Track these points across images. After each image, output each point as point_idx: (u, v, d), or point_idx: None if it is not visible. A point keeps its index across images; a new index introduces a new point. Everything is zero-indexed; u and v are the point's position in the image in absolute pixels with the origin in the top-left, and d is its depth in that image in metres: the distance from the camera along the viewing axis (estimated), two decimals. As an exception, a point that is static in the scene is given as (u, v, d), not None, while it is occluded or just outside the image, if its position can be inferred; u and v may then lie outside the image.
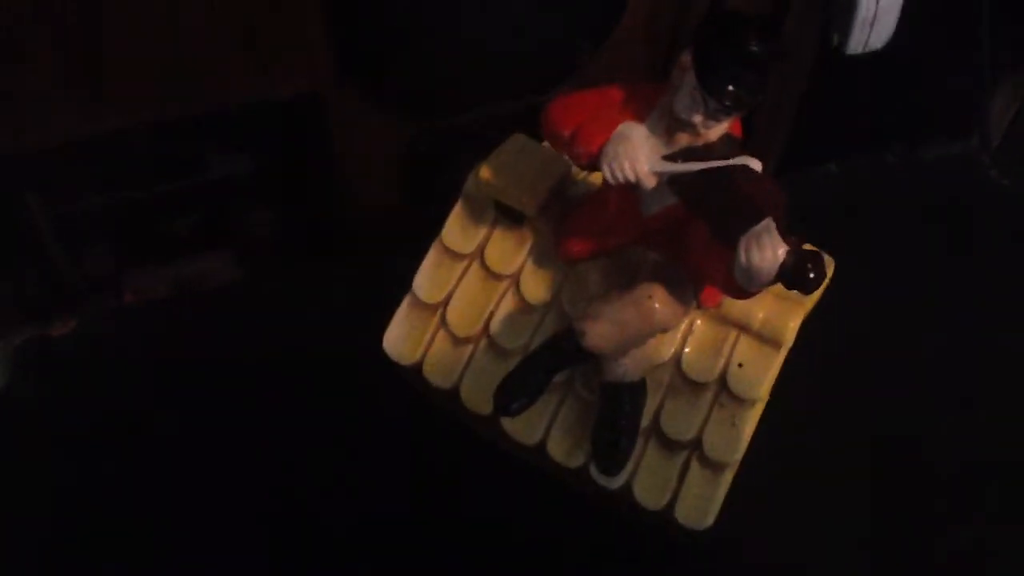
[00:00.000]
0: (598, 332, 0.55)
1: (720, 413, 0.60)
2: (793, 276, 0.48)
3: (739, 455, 0.60)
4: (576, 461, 0.62)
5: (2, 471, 0.68)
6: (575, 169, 0.63)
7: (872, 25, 0.73)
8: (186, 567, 0.65)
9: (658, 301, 0.55)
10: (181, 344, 0.74)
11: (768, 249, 0.48)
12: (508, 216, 0.64)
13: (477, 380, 0.64)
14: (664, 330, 0.57)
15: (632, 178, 0.52)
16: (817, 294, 0.58)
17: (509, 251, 0.64)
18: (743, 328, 0.61)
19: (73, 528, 0.67)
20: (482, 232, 0.65)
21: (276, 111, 0.74)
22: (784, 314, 0.60)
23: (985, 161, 0.81)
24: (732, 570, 0.66)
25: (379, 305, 0.67)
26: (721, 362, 0.61)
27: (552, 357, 0.59)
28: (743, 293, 0.52)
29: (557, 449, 0.62)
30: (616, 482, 0.61)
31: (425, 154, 0.76)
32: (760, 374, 0.60)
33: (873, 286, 0.73)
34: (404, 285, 0.65)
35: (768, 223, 0.49)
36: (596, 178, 0.63)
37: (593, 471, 0.61)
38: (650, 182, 0.53)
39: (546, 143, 0.63)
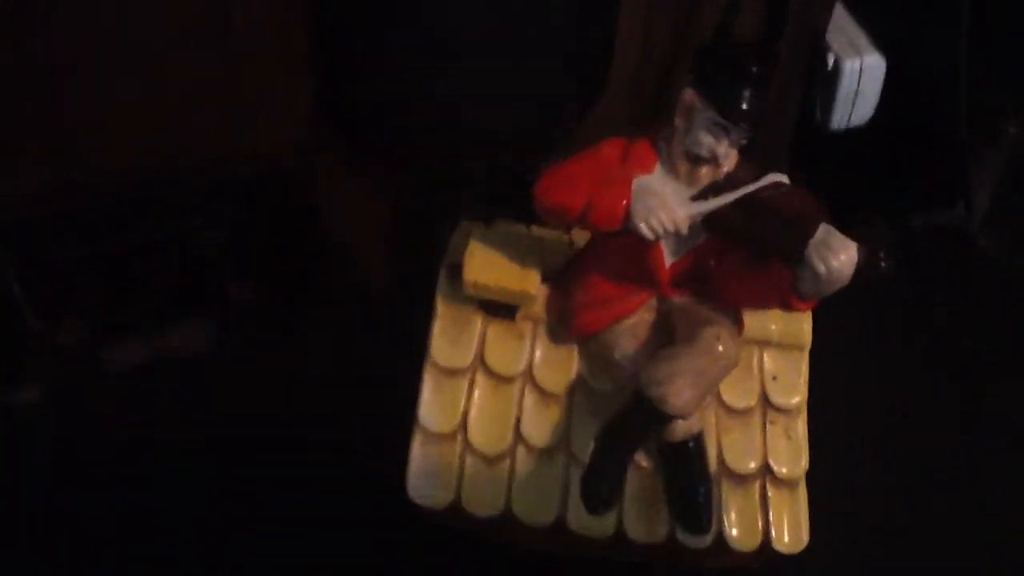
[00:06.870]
0: (679, 392, 0.52)
1: (774, 429, 0.60)
2: (872, 268, 0.49)
3: (805, 464, 0.60)
4: (660, 534, 0.58)
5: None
6: (547, 243, 0.61)
7: (855, 100, 0.75)
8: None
9: (723, 343, 0.53)
10: (152, 415, 0.69)
11: (842, 251, 0.48)
12: (498, 313, 0.60)
13: (529, 492, 0.58)
14: (734, 367, 0.55)
15: (672, 228, 0.50)
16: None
17: (511, 349, 0.60)
18: (763, 343, 0.61)
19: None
20: (474, 339, 0.60)
21: (258, 174, 0.67)
22: (796, 319, 0.60)
23: (972, 229, 0.84)
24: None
25: (364, 376, 0.67)
26: (756, 382, 0.60)
27: (625, 437, 0.56)
28: (807, 304, 0.52)
29: (637, 529, 0.58)
30: (708, 537, 0.58)
31: (411, 217, 0.71)
32: (794, 379, 0.61)
33: (864, 353, 0.75)
34: (391, 356, 0.62)
35: (828, 228, 0.49)
36: (580, 241, 0.61)
37: (681, 536, 0.58)
38: (686, 227, 0.51)
39: (509, 225, 0.61)
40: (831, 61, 0.76)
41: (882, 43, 0.77)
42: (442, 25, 0.62)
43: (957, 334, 0.79)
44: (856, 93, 0.75)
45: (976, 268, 0.85)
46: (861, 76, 0.75)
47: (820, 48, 0.76)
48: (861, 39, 0.77)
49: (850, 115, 0.76)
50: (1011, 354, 0.78)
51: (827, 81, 0.75)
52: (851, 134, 0.77)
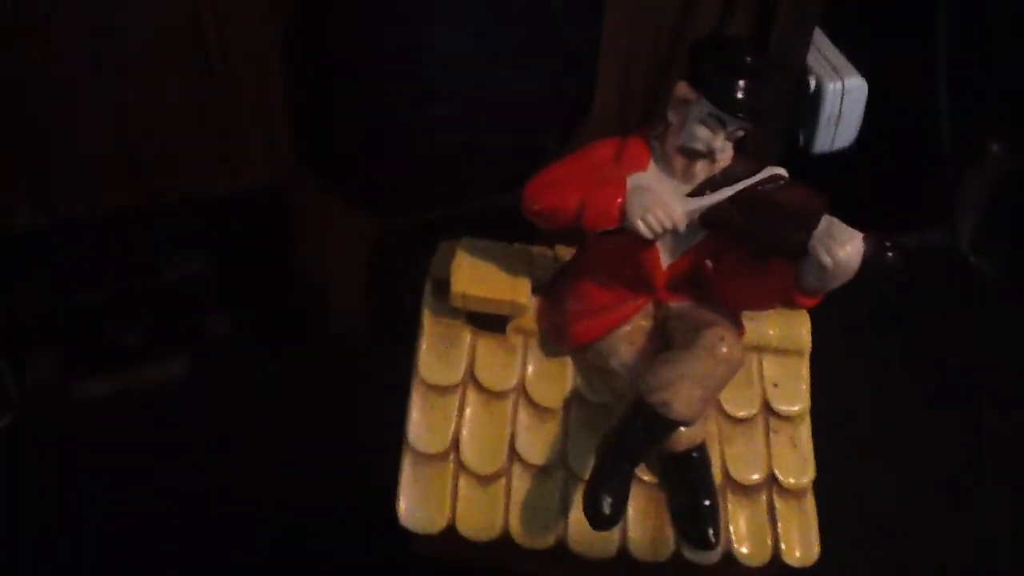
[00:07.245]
0: (682, 397, 0.50)
1: (778, 439, 0.58)
2: (878, 258, 0.47)
3: (812, 473, 0.58)
4: (666, 551, 0.56)
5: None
6: (533, 255, 0.58)
7: (837, 123, 0.74)
8: None
9: (727, 344, 0.51)
10: (127, 446, 0.67)
11: (848, 242, 0.47)
12: (487, 326, 0.57)
13: (527, 514, 0.56)
14: (738, 369, 0.53)
15: (669, 225, 0.48)
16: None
17: (501, 363, 0.57)
18: (762, 350, 0.59)
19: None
20: (463, 355, 0.57)
21: (234, 206, 0.64)
22: (794, 323, 0.59)
23: (963, 248, 0.83)
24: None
25: (342, 412, 0.66)
26: (757, 390, 0.58)
27: (627, 449, 0.53)
28: (812, 300, 0.50)
29: (642, 548, 0.56)
30: (716, 553, 0.56)
31: (391, 250, 0.69)
32: (796, 385, 0.59)
33: (856, 371, 0.73)
34: (369, 391, 0.61)
35: (831, 219, 0.48)
36: (564, 255, 0.59)
37: (688, 553, 0.55)
38: (683, 224, 0.49)
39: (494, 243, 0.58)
40: (812, 84, 0.75)
41: (863, 65, 0.76)
42: (427, 42, 0.60)
43: (954, 338, 0.78)
44: (839, 116, 0.74)
45: (972, 276, 0.84)
46: (843, 99, 0.74)
47: (801, 71, 0.76)
48: (842, 62, 0.76)
49: (833, 138, 0.75)
50: (1009, 358, 0.77)
51: (809, 104, 0.74)
52: (836, 157, 0.76)
